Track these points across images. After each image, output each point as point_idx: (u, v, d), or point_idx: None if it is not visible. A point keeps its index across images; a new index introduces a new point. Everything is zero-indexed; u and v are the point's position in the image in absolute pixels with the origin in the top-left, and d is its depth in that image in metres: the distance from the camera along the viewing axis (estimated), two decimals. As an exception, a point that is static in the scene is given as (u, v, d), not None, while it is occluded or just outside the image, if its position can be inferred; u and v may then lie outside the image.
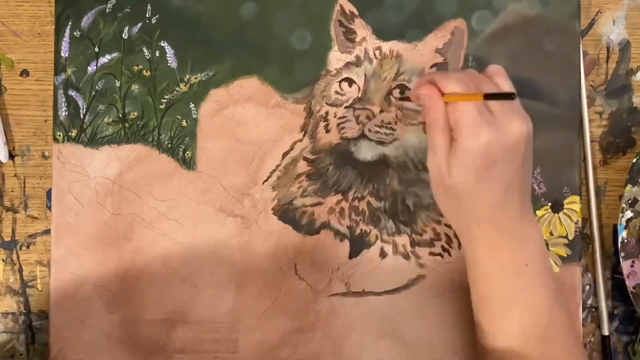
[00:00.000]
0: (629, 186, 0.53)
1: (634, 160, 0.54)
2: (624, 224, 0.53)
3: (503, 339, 0.46)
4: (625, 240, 0.53)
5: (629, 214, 0.53)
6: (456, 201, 0.45)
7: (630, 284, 0.53)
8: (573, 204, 0.55)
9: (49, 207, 0.57)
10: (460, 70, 0.47)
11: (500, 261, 0.45)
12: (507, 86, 0.45)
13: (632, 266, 0.53)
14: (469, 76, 0.44)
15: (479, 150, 0.42)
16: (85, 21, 0.56)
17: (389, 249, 0.55)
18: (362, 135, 0.55)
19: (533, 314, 0.45)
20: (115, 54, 0.56)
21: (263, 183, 0.56)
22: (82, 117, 0.56)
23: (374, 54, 0.56)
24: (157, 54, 0.56)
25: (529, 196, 0.46)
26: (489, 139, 0.42)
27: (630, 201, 0.53)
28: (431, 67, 0.56)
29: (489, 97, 0.42)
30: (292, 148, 0.56)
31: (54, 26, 0.56)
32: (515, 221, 0.45)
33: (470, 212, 0.45)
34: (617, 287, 0.56)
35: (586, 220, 0.57)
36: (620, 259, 0.53)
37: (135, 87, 0.56)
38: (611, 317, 0.56)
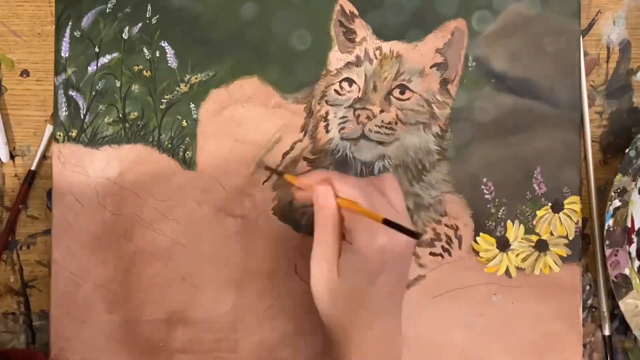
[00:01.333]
0: (619, 175, 0.53)
1: (627, 150, 0.54)
2: (611, 212, 0.53)
3: None
4: (611, 229, 0.53)
5: (617, 202, 0.53)
6: (341, 304, 0.44)
7: (612, 273, 0.53)
8: (573, 204, 0.55)
9: (49, 207, 0.57)
10: (356, 178, 0.48)
11: None
12: (399, 202, 0.46)
13: (615, 255, 0.53)
14: (364, 183, 0.45)
15: (373, 255, 0.42)
16: (86, 21, 0.56)
17: (389, 249, 0.55)
18: (362, 136, 0.55)
19: None
20: (115, 54, 0.56)
21: (263, 183, 0.56)
22: (82, 117, 0.56)
23: (374, 54, 0.56)
24: (158, 54, 0.56)
25: (401, 303, 0.46)
26: (383, 243, 0.42)
27: (619, 190, 0.53)
28: (431, 67, 0.56)
29: (389, 224, 0.41)
30: (292, 148, 0.56)
31: (54, 26, 0.56)
32: (393, 326, 0.45)
33: (351, 318, 0.44)
34: (618, 287, 0.56)
35: (586, 220, 0.57)
36: (605, 247, 0.53)
37: (135, 87, 0.56)
38: (611, 317, 0.56)
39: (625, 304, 0.53)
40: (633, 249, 0.54)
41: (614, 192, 0.53)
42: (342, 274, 0.43)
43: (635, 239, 0.54)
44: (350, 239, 0.43)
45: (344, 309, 0.44)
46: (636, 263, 0.54)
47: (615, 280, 0.53)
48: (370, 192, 0.45)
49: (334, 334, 0.45)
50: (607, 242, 0.53)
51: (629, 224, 0.54)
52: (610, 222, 0.53)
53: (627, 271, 0.53)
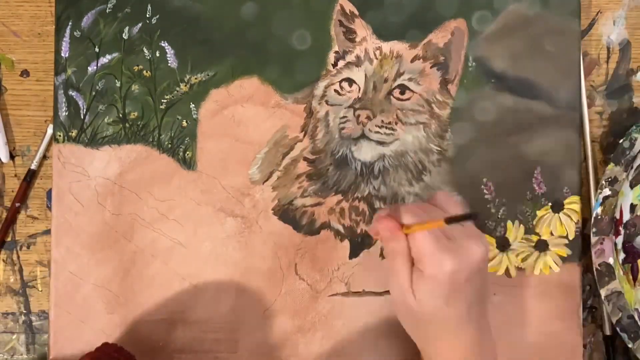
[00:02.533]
0: (611, 164, 0.53)
1: (621, 141, 0.54)
2: (600, 200, 0.53)
3: None
4: (599, 217, 0.53)
5: (607, 191, 0.53)
6: (422, 324, 0.47)
7: (596, 260, 0.53)
8: (573, 204, 0.55)
9: (49, 207, 0.57)
10: (412, 203, 0.50)
11: None
12: (459, 211, 0.47)
13: (601, 243, 0.53)
14: (420, 207, 0.47)
15: (445, 279, 0.43)
16: (86, 21, 0.56)
17: (389, 249, 0.55)
18: (362, 136, 0.55)
19: None
20: (115, 54, 0.56)
21: (263, 183, 0.56)
22: (82, 117, 0.56)
23: (375, 54, 0.56)
24: (158, 54, 0.56)
25: (486, 307, 0.48)
26: (452, 266, 0.43)
27: (610, 179, 0.53)
28: (431, 67, 0.56)
29: (450, 220, 0.43)
30: (292, 148, 0.56)
31: (54, 26, 0.56)
32: (475, 335, 0.47)
33: (436, 333, 0.46)
34: (618, 287, 0.56)
35: (586, 220, 0.57)
36: (591, 234, 0.53)
37: (135, 87, 0.56)
38: (611, 317, 0.56)
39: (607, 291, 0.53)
40: (619, 240, 0.54)
41: (605, 181, 0.53)
42: (418, 298, 0.45)
43: (622, 231, 0.55)
44: (420, 266, 0.45)
45: (426, 327, 0.47)
46: (621, 255, 0.54)
47: (598, 268, 0.53)
48: (429, 209, 0.47)
49: (420, 345, 0.48)
50: (593, 230, 0.53)
51: (617, 215, 0.54)
52: (598, 210, 0.53)
53: (611, 260, 0.53)
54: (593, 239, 0.53)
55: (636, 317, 0.53)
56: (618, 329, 0.53)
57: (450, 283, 0.44)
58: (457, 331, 0.46)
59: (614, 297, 0.53)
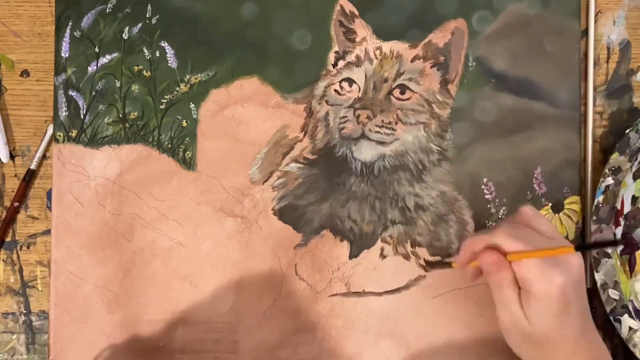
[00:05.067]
0: (616, 154, 0.53)
1: (627, 130, 0.54)
2: (602, 188, 0.53)
3: None
4: (600, 205, 0.53)
5: (609, 180, 0.53)
6: (540, 347, 0.45)
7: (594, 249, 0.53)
8: (573, 204, 0.55)
9: (49, 207, 0.57)
10: (502, 226, 0.46)
11: None
12: (546, 226, 0.46)
13: (600, 232, 0.53)
14: (515, 228, 0.45)
15: (556, 295, 0.43)
16: (86, 21, 0.56)
17: (389, 249, 0.55)
18: (363, 136, 0.55)
19: None
20: (115, 54, 0.56)
21: (263, 183, 0.56)
22: (82, 117, 0.56)
23: (375, 54, 0.56)
24: (158, 54, 0.56)
25: (591, 318, 0.47)
26: (562, 280, 0.43)
27: (614, 169, 0.53)
28: (432, 67, 0.56)
29: (583, 248, 0.42)
30: (292, 148, 0.56)
31: (54, 26, 0.56)
32: (590, 349, 0.46)
33: (553, 352, 0.45)
34: (618, 287, 0.56)
35: (587, 220, 0.56)
36: (591, 222, 0.53)
37: (135, 87, 0.56)
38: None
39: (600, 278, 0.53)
40: (619, 231, 0.54)
41: (608, 170, 0.53)
42: (532, 321, 0.44)
43: (622, 221, 0.54)
44: (528, 286, 0.44)
45: (543, 347, 0.46)
46: (620, 246, 0.54)
47: (596, 256, 0.53)
48: (519, 229, 0.45)
49: None
50: (593, 218, 0.53)
51: (618, 206, 0.54)
52: (600, 198, 0.53)
53: (609, 250, 0.53)
54: (593, 227, 0.53)
55: (630, 308, 0.53)
56: (611, 318, 0.53)
57: (561, 297, 0.43)
58: (574, 347, 0.45)
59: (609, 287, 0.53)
